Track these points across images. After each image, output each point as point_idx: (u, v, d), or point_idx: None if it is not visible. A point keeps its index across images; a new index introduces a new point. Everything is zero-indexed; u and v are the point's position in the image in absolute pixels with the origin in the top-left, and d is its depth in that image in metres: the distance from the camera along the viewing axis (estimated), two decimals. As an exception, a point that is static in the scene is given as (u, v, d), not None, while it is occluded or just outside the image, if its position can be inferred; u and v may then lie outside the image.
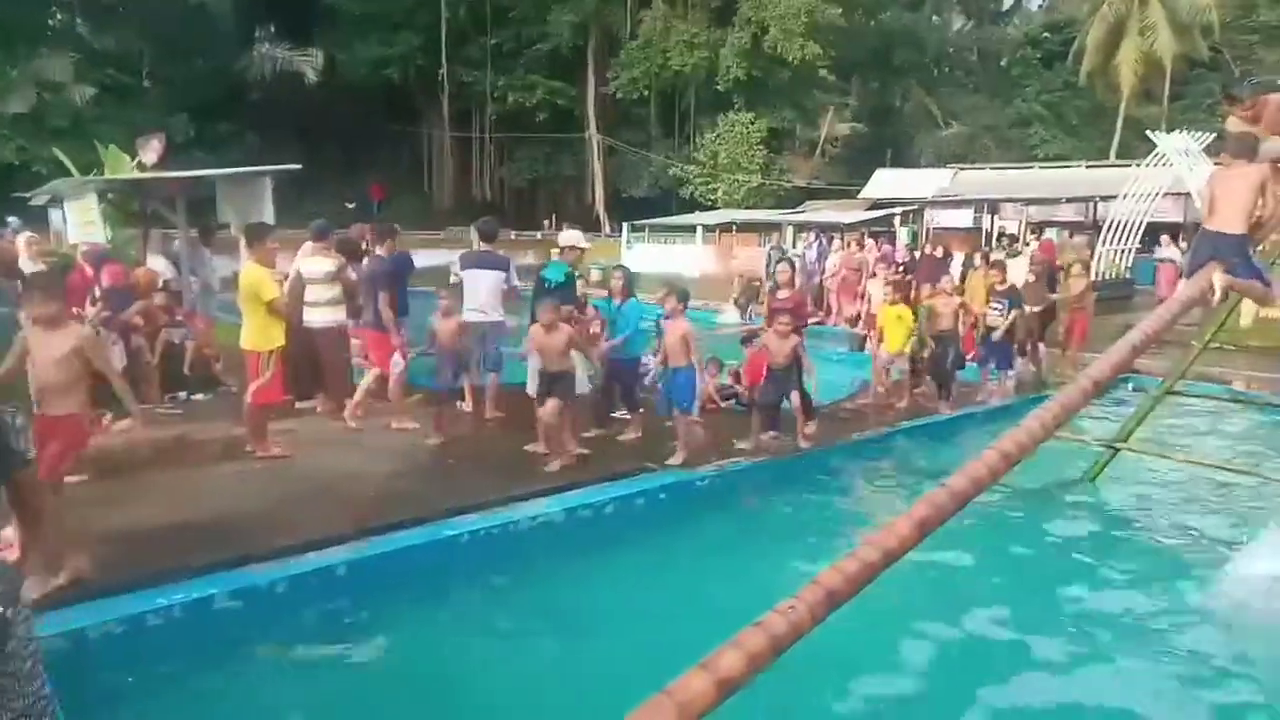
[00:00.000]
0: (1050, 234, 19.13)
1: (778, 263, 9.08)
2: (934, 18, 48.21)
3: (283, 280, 7.24)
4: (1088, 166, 28.49)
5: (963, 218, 25.96)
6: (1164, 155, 19.24)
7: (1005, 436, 3.40)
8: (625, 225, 31.48)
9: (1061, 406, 3.71)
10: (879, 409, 9.01)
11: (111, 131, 20.06)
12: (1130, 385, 9.97)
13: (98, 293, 8.19)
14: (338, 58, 37.90)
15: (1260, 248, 5.83)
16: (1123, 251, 20.35)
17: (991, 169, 30.26)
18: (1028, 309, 10.29)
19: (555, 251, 8.59)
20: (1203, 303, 5.71)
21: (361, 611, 4.66)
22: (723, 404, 8.75)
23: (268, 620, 4.38)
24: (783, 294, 7.94)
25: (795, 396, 7.21)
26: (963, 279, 12.35)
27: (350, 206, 32.47)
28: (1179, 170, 18.72)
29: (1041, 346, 11.11)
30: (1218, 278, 5.24)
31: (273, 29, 39.89)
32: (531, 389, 7.02)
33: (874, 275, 12.85)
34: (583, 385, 7.15)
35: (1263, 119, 5.60)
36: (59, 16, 34.67)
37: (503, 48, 40.29)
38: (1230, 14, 35.45)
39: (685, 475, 6.50)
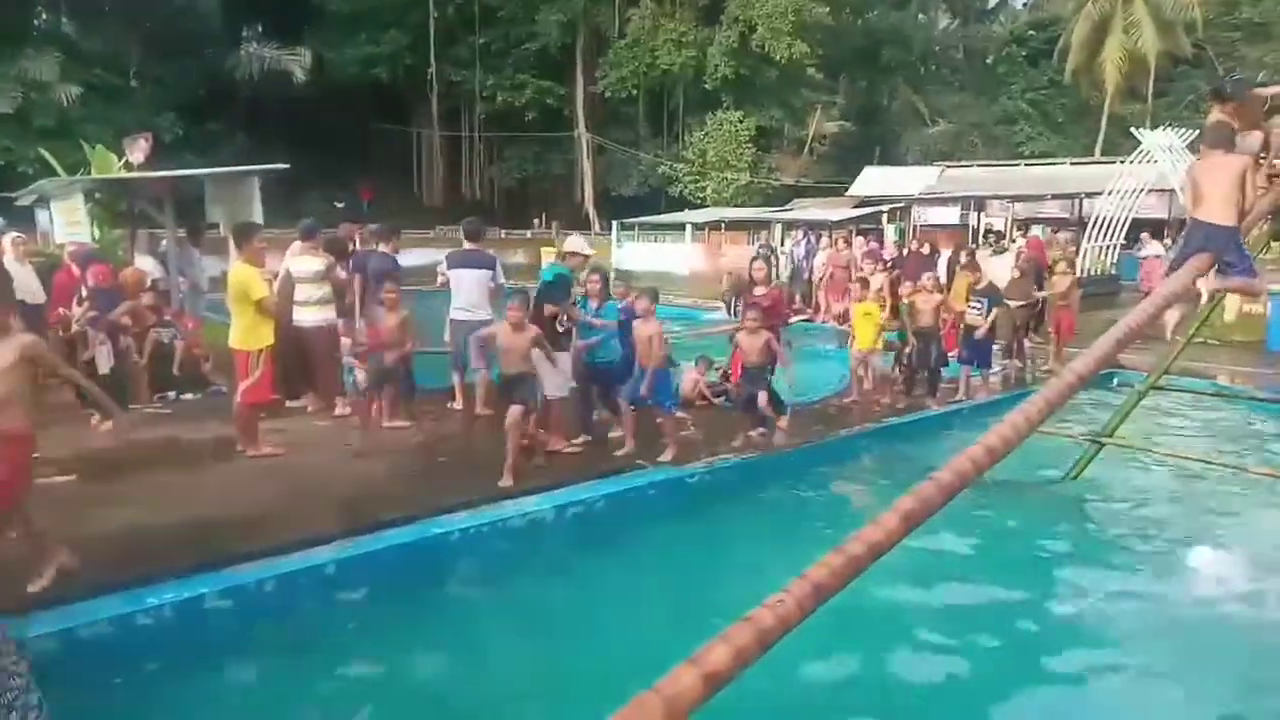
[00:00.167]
0: (1036, 231, 19.27)
1: (753, 260, 9.07)
2: (920, 16, 48.31)
3: (271, 279, 7.23)
4: (1073, 163, 28.71)
5: (949, 215, 26.12)
6: (1148, 152, 19.42)
7: (990, 431, 3.42)
8: (615, 224, 31.62)
9: (1046, 401, 3.73)
10: (865, 405, 9.06)
11: (98, 131, 20.01)
12: (1115, 380, 10.05)
13: (84, 293, 8.18)
14: (326, 57, 37.70)
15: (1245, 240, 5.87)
16: (1108, 248, 20.51)
17: (978, 166, 30.40)
18: (1012, 304, 10.36)
19: (554, 254, 8.56)
20: (1186, 298, 5.73)
21: (351, 609, 4.67)
22: (715, 400, 8.78)
23: (257, 619, 4.39)
24: (759, 291, 7.93)
25: (762, 395, 7.14)
26: (950, 276, 12.40)
27: (339, 206, 32.43)
28: (1163, 167, 18.88)
29: (1027, 342, 11.18)
30: (1203, 283, 5.24)
31: (260, 28, 39.76)
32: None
33: (860, 271, 12.90)
34: (562, 390, 6.99)
35: (1242, 114, 5.64)
36: (44, 16, 34.43)
37: (491, 47, 40.22)
38: (1214, 11, 35.78)
39: (675, 472, 6.53)
